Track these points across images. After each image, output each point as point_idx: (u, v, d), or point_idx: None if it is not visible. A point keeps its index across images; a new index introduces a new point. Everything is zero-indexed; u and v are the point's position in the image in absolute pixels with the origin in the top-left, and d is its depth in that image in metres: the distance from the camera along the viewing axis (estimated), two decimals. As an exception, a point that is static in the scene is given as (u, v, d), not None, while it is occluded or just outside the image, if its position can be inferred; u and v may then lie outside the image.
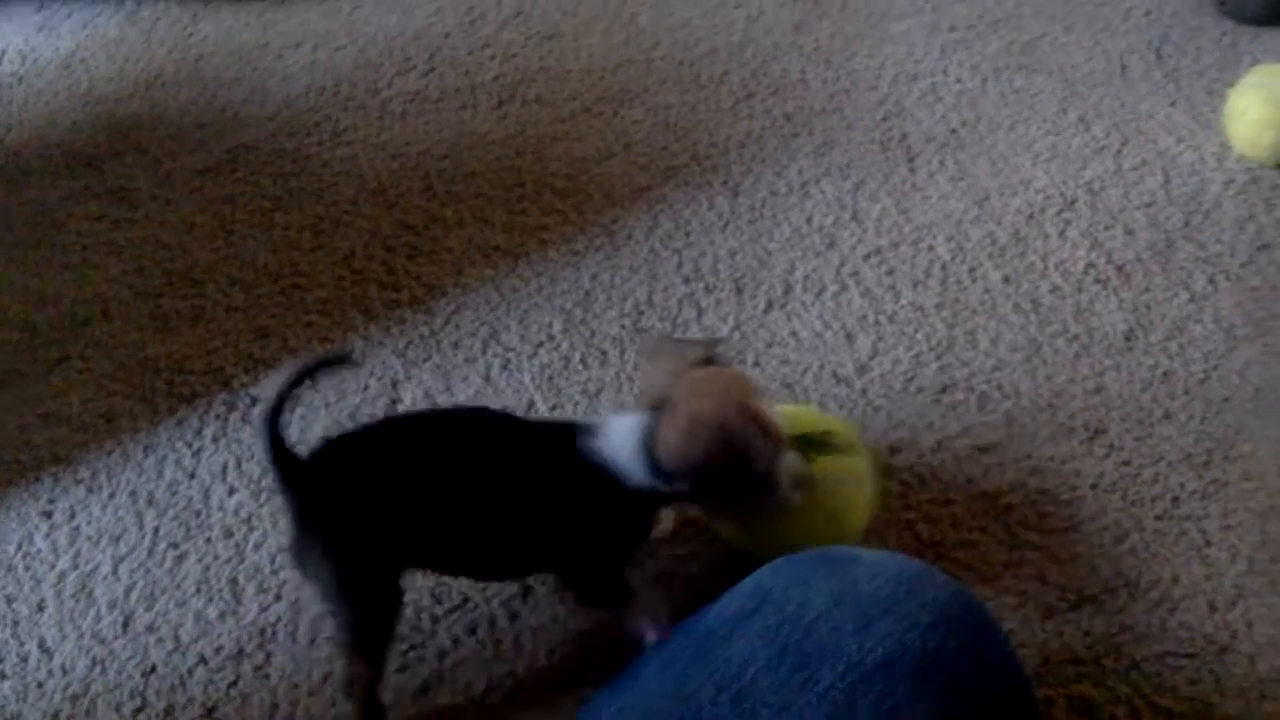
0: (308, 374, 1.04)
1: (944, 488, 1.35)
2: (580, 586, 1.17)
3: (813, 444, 1.18)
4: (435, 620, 1.25)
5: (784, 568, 0.94)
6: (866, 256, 1.59)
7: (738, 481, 1.03)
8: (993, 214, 1.64)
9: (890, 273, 1.57)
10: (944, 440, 1.39)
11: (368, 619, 1.11)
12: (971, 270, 1.57)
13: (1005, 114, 1.80)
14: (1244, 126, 1.68)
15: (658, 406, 1.04)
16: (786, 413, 1.16)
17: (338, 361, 1.08)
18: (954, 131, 1.77)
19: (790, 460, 1.08)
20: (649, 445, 1.03)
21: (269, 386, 1.02)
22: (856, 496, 1.20)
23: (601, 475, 1.05)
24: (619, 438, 1.05)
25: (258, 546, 1.32)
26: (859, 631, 0.86)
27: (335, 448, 1.08)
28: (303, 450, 1.06)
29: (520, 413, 1.39)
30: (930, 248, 1.60)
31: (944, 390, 1.44)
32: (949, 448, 1.38)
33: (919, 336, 1.50)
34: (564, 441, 1.07)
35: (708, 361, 1.09)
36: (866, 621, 0.87)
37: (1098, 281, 1.55)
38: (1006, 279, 1.56)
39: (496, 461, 1.07)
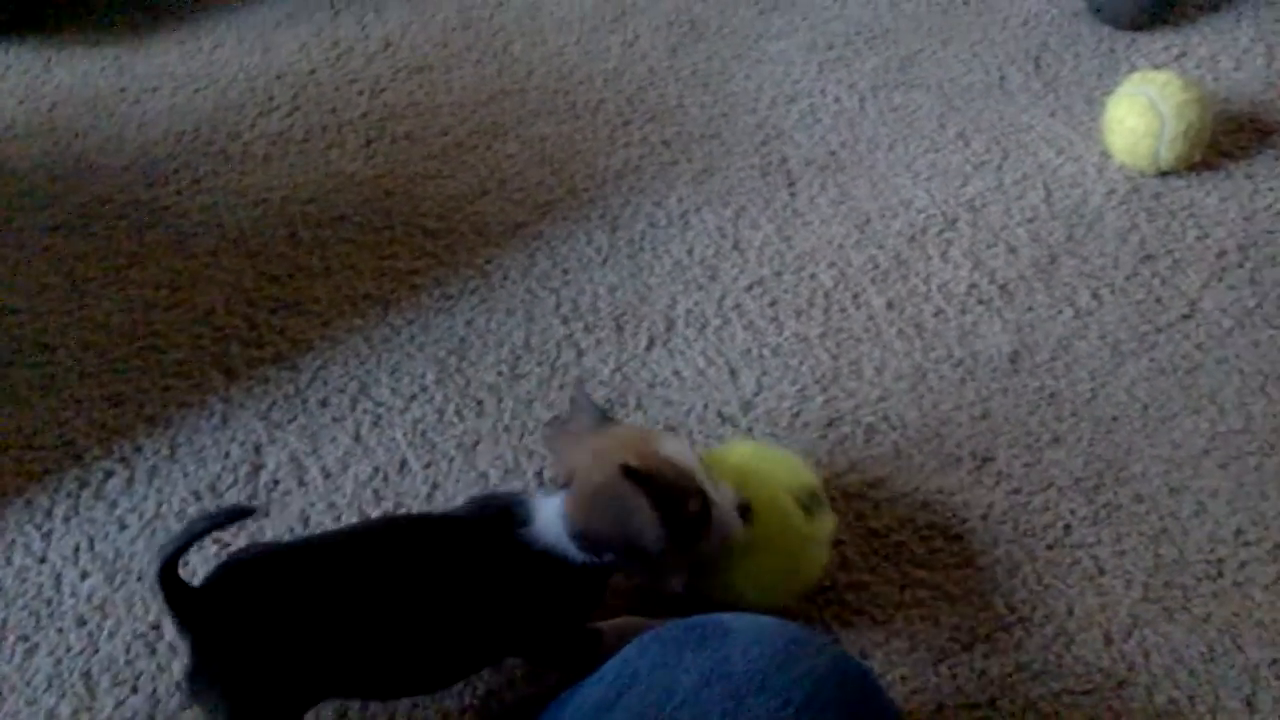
0: (210, 529, 0.97)
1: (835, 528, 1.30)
2: (542, 657, 1.12)
3: (810, 503, 1.15)
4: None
5: (651, 645, 0.89)
6: (749, 288, 1.55)
7: (665, 537, 0.99)
8: (874, 237, 1.61)
9: (773, 303, 1.53)
10: (831, 478, 1.35)
11: None
12: (855, 297, 1.54)
13: (884, 133, 1.77)
14: (1122, 135, 1.67)
15: (568, 484, 1.03)
16: (777, 465, 1.17)
17: (241, 515, 1.01)
18: (833, 153, 1.74)
19: (723, 496, 1.06)
20: (573, 527, 1.01)
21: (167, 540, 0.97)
22: (826, 554, 1.19)
23: (545, 558, 1.03)
24: (548, 521, 1.03)
25: (112, 635, 1.24)
26: (728, 714, 0.80)
27: (232, 575, 1.01)
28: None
29: (392, 471, 1.33)
30: (813, 275, 1.57)
31: (830, 424, 1.40)
32: (837, 485, 1.34)
33: (804, 369, 1.46)
34: (497, 532, 1.04)
35: (607, 421, 1.08)
36: (737, 702, 0.82)
37: (981, 302, 1.52)
38: (890, 304, 1.53)
39: (422, 568, 1.03)
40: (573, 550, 1.03)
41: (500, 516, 1.05)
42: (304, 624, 0.99)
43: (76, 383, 1.48)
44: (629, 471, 1.00)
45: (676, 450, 1.04)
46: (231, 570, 1.02)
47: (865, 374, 1.45)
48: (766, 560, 1.13)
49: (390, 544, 1.05)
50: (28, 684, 1.20)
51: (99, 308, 1.57)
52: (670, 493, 1.01)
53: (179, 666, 1.18)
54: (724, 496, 1.07)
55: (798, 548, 1.15)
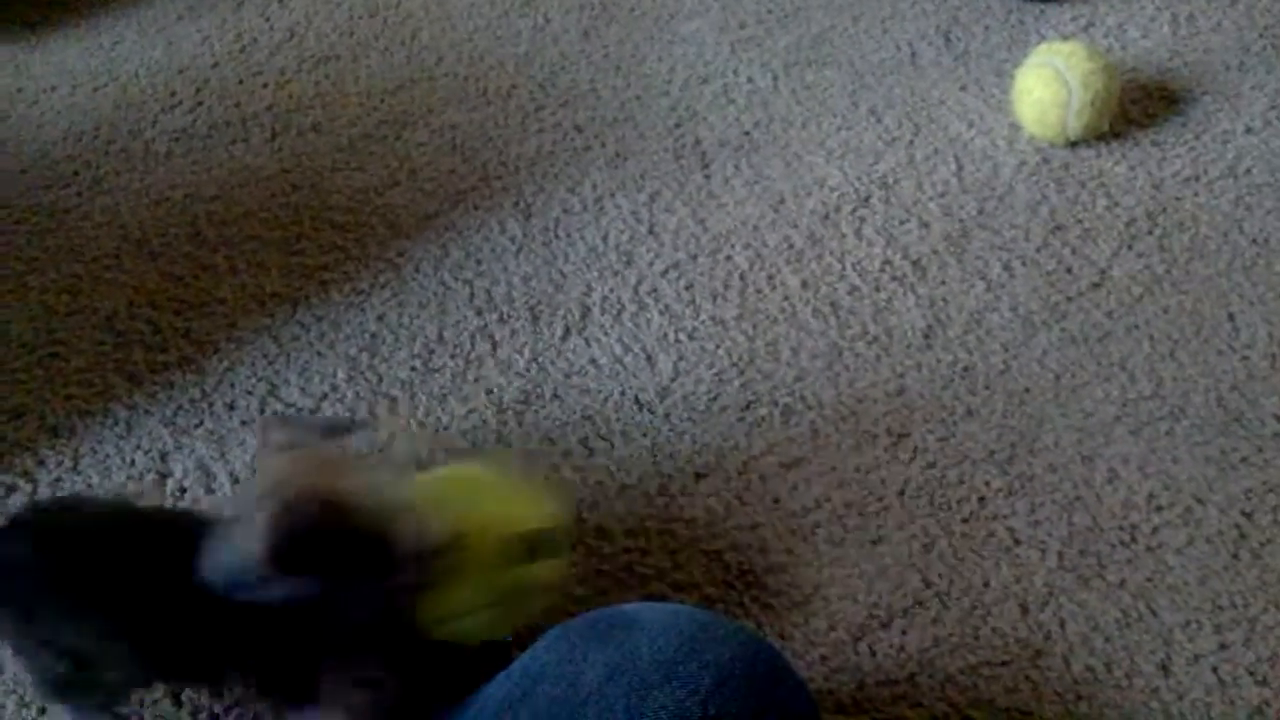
0: None
1: (751, 511, 1.30)
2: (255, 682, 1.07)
3: (542, 543, 1.08)
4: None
5: (557, 640, 0.87)
6: (664, 272, 1.54)
7: (345, 574, 0.93)
8: (788, 217, 1.61)
9: (689, 287, 1.52)
10: (750, 460, 1.34)
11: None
12: (770, 278, 1.53)
13: (797, 111, 1.77)
14: (1031, 106, 1.68)
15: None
16: (509, 503, 1.10)
17: None
18: (747, 133, 1.73)
19: (411, 534, 0.96)
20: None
21: None
22: (550, 598, 1.13)
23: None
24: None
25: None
26: (633, 708, 0.79)
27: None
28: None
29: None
30: (728, 257, 1.56)
31: (748, 407, 1.40)
32: (755, 468, 1.34)
33: (720, 352, 1.45)
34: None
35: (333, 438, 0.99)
36: (643, 694, 0.81)
37: (894, 279, 1.52)
38: (804, 284, 1.52)
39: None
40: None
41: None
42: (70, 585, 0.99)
43: (-26, 395, 1.43)
44: (305, 499, 0.91)
45: (370, 483, 0.95)
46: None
47: (782, 355, 1.44)
48: (471, 598, 1.05)
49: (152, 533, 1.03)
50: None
51: (-3, 316, 1.52)
52: (340, 529, 0.92)
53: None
54: (421, 533, 0.97)
55: (499, 590, 1.06)
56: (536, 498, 1.14)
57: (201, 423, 1.39)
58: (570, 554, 1.17)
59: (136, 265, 1.58)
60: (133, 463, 1.36)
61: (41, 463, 1.36)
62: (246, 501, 0.93)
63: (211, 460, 1.35)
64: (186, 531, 0.98)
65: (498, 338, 1.47)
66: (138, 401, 1.42)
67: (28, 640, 1.03)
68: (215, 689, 1.15)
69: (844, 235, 1.58)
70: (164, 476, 1.34)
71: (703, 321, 1.48)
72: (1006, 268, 1.54)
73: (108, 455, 1.36)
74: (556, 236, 1.59)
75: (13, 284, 1.57)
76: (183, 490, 1.33)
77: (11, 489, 1.34)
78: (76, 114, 1.83)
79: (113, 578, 0.99)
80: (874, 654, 1.18)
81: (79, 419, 1.40)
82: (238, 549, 0.90)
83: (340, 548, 0.92)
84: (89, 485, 1.34)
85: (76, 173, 1.72)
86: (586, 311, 1.50)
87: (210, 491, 1.32)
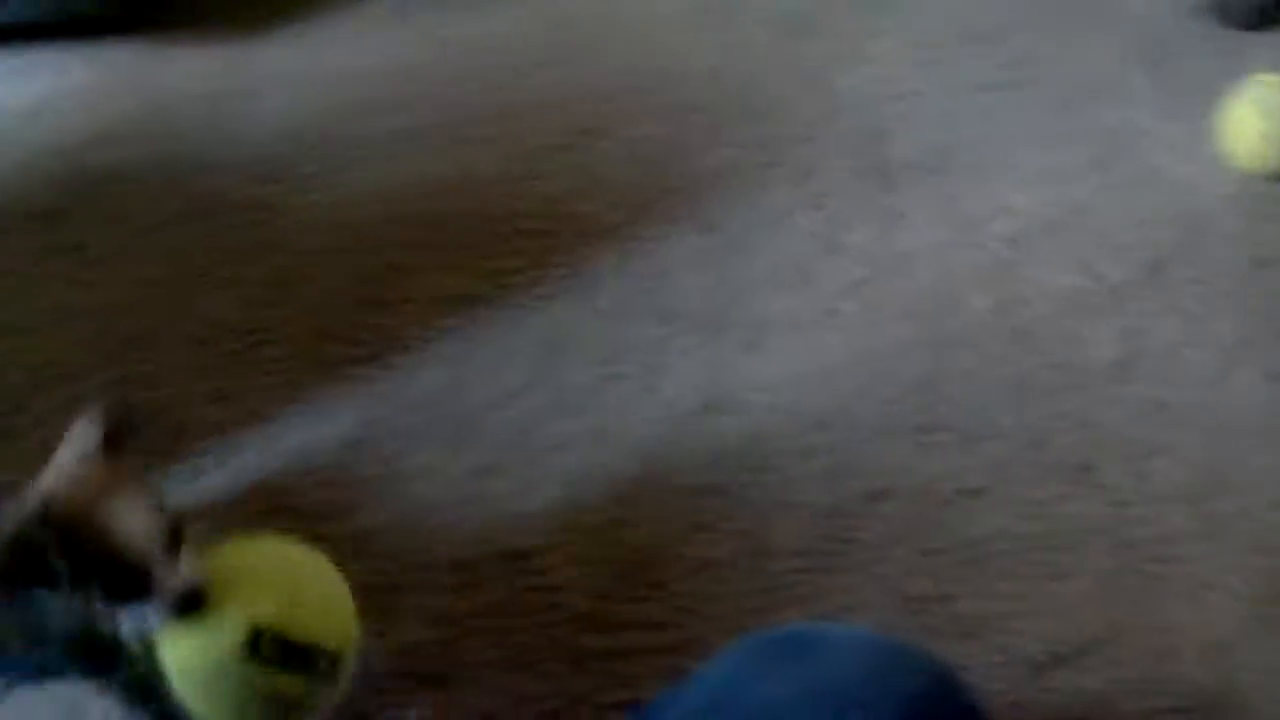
0: None
1: (926, 537, 1.28)
2: None
3: (290, 651, 0.95)
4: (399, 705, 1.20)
5: (744, 656, 0.88)
6: (846, 291, 1.53)
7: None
8: (976, 240, 1.58)
9: (870, 307, 1.51)
10: (927, 485, 1.33)
11: None
12: (955, 301, 1.51)
13: (988, 134, 1.74)
14: (1241, 139, 1.62)
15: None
16: (266, 586, 0.96)
17: None
18: (934, 154, 1.71)
19: (172, 575, 0.90)
20: None
21: None
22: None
23: None
24: None
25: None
26: (824, 731, 0.79)
27: None
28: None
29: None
30: (912, 278, 1.54)
31: (926, 431, 1.38)
32: (932, 493, 1.32)
33: (901, 374, 1.44)
34: None
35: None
36: (836, 716, 0.80)
37: (1086, 308, 1.48)
38: (991, 309, 1.50)
39: None
40: None
41: None
42: None
43: (183, 378, 1.52)
44: (50, 505, 0.88)
45: (126, 510, 0.90)
46: None
47: (964, 379, 1.42)
48: (182, 661, 0.95)
49: None
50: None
51: (206, 305, 1.61)
52: (91, 551, 0.88)
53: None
54: (170, 578, 0.90)
55: (218, 677, 0.94)
56: (342, 611, 1.00)
57: (390, 417, 1.45)
58: (344, 685, 0.99)
59: (336, 262, 1.65)
60: (324, 452, 1.42)
61: (239, 446, 1.44)
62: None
63: (399, 454, 1.41)
64: None
65: (678, 350, 1.49)
66: (332, 392, 1.49)
67: None
68: None
69: (1034, 261, 1.55)
70: (352, 466, 1.40)
71: (883, 342, 1.47)
72: (1205, 301, 1.48)
73: (303, 442, 1.43)
74: (738, 251, 1.60)
75: (225, 272, 1.66)
76: (369, 480, 1.38)
77: (200, 472, 1.41)
78: (286, 114, 1.92)
79: None
80: (1050, 691, 1.15)
81: (276, 406, 1.48)
82: None
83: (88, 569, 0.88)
84: (282, 471, 1.40)
85: (285, 170, 1.82)
86: (766, 327, 1.50)
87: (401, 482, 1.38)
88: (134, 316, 1.61)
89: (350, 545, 1.32)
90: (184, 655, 0.94)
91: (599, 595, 1.27)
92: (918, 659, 0.88)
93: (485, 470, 1.38)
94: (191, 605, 0.91)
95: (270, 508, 1.35)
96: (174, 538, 0.92)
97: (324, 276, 1.63)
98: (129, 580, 0.89)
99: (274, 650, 0.93)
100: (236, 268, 1.66)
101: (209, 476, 1.40)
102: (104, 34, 2.11)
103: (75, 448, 0.95)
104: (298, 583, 0.99)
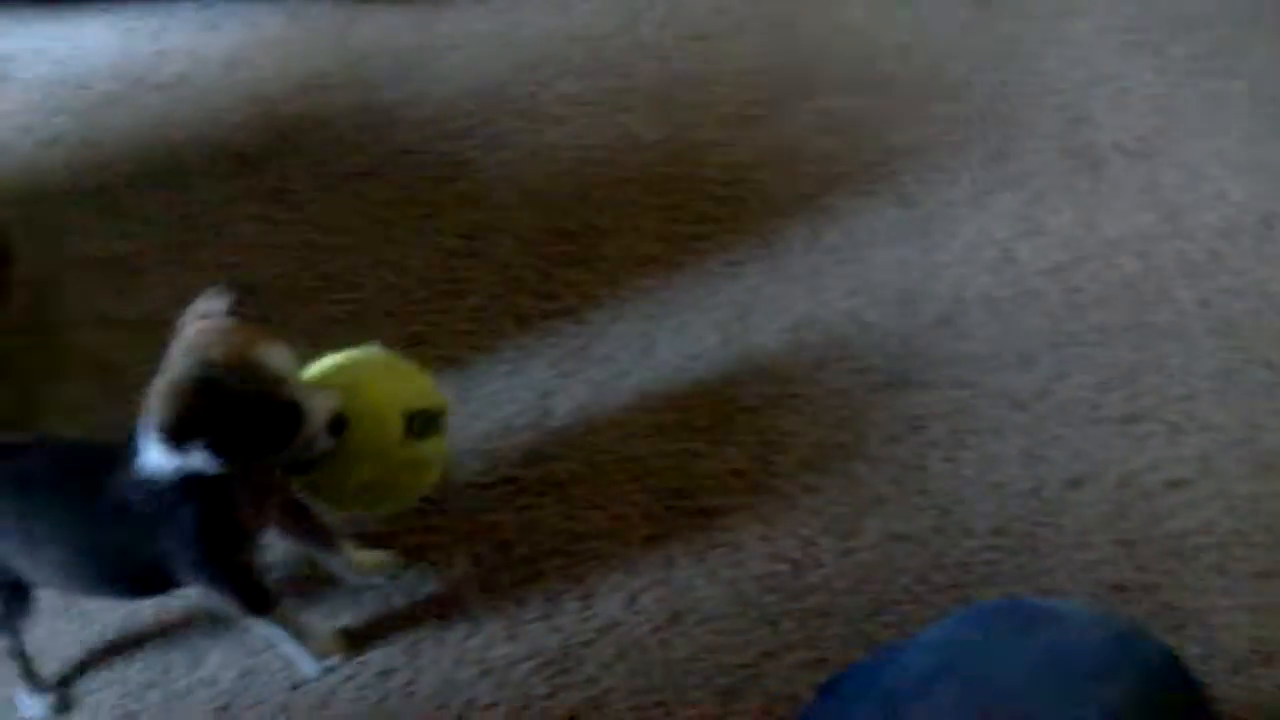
0: None
1: (1129, 527, 1.25)
2: (206, 588, 1.12)
3: (429, 421, 1.12)
4: (585, 644, 1.21)
5: (974, 622, 0.87)
6: (1047, 273, 1.50)
7: (246, 435, 0.97)
8: (1184, 230, 1.53)
9: (1073, 290, 1.47)
10: (1130, 475, 1.29)
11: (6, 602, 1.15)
12: (1161, 290, 1.46)
13: (1196, 122, 1.68)
14: None
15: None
16: (398, 383, 1.14)
17: None
18: (1141, 140, 1.65)
19: (318, 402, 1.02)
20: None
21: None
22: (436, 475, 1.17)
23: (143, 482, 1.01)
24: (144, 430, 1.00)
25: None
26: (1064, 698, 0.78)
27: None
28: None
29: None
30: (1116, 265, 1.50)
31: (1131, 420, 1.34)
32: (1135, 484, 1.29)
33: (1104, 361, 1.40)
34: (115, 462, 1.03)
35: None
36: (1072, 687, 0.79)
37: (1304, 305, 1.42)
38: (1200, 301, 1.45)
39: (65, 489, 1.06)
40: (166, 459, 0.98)
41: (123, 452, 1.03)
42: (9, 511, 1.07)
43: (379, 320, 1.56)
44: (211, 366, 0.96)
45: (273, 355, 1.00)
46: None
47: (1171, 371, 1.38)
48: (362, 470, 1.09)
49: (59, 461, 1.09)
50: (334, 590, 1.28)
51: (402, 252, 1.65)
52: (251, 392, 0.97)
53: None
54: (320, 404, 1.02)
55: (395, 465, 1.11)
56: (423, 381, 1.17)
57: (582, 369, 1.46)
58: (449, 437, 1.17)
59: (528, 218, 1.67)
60: (518, 399, 1.44)
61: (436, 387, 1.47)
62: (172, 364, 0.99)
63: (590, 405, 1.42)
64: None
65: (868, 321, 1.48)
66: (525, 343, 1.51)
67: None
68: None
69: (1246, 254, 1.49)
70: (546, 414, 1.42)
71: (1086, 327, 1.43)
72: None
73: (496, 389, 1.45)
74: (933, 227, 1.58)
75: (417, 224, 1.69)
76: (563, 430, 1.40)
77: (409, 409, 1.45)
78: (477, 73, 1.95)
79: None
80: (1253, 689, 1.11)
81: (470, 353, 1.50)
82: (162, 409, 0.95)
83: (257, 408, 0.97)
84: (477, 416, 1.43)
85: (475, 127, 1.84)
86: (962, 304, 1.48)
87: (592, 432, 1.39)
88: (332, 259, 1.65)
89: (541, 491, 1.35)
90: (351, 465, 1.07)
91: (782, 558, 1.26)
92: (1148, 637, 0.86)
93: (675, 426, 1.38)
94: (340, 427, 1.03)
95: (465, 450, 1.38)
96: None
97: (516, 231, 1.65)
98: (284, 416, 0.99)
99: (422, 424, 1.11)
100: (431, 219, 1.69)
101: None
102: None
103: (206, 314, 1.04)
104: (398, 368, 1.17)
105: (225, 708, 1.20)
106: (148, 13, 2.17)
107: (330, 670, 1.20)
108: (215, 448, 0.97)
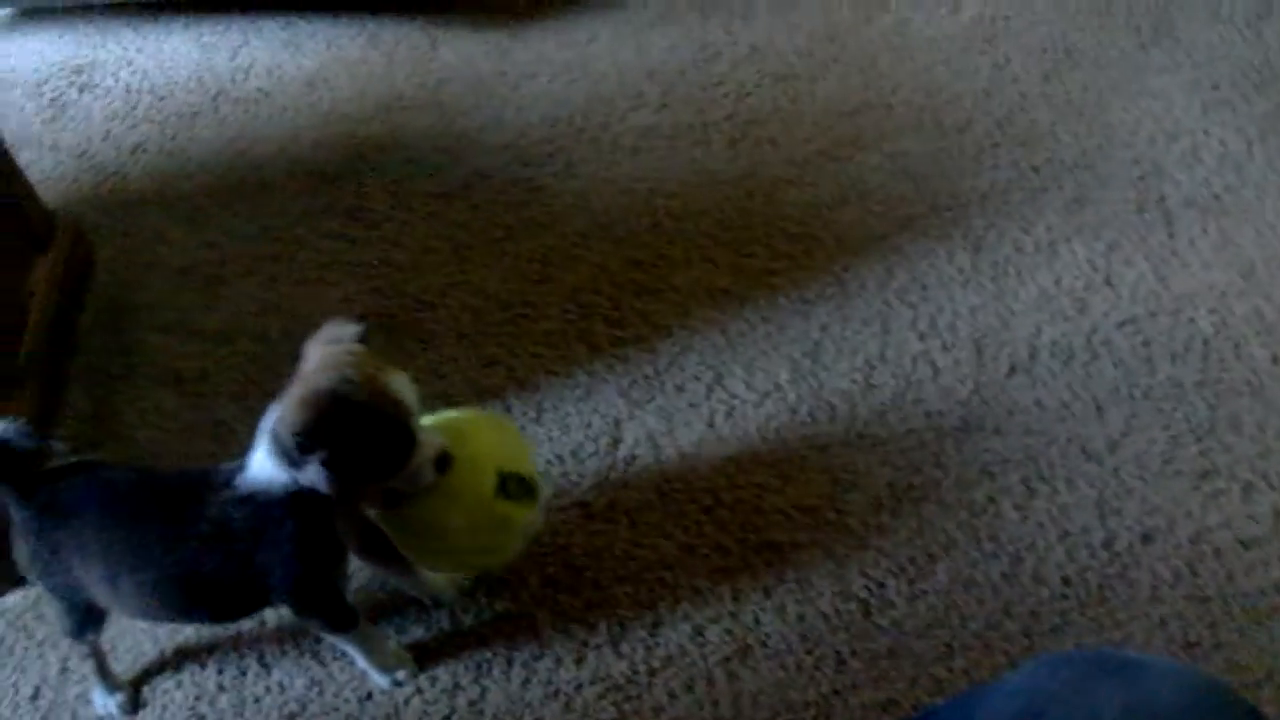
0: None
1: (1201, 584, 1.25)
2: (296, 607, 1.15)
3: (524, 487, 1.15)
4: (652, 673, 1.21)
5: (1061, 669, 0.87)
6: (1120, 324, 1.50)
7: (366, 453, 1.01)
8: (1260, 288, 1.52)
9: (1146, 344, 1.47)
10: (1203, 532, 1.29)
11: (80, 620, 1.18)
12: (1236, 347, 1.46)
13: (1273, 180, 1.67)
14: None
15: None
16: (502, 442, 1.17)
17: None
18: (1217, 196, 1.65)
19: (428, 439, 1.06)
20: (276, 431, 1.01)
21: None
22: (521, 544, 1.19)
23: (254, 502, 1.05)
24: (259, 454, 1.04)
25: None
26: (1148, 749, 0.78)
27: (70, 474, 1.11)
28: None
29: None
30: (1191, 320, 1.50)
31: (1204, 476, 1.34)
32: (1208, 540, 1.28)
33: (1178, 415, 1.39)
34: (209, 486, 1.07)
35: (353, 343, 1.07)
36: (1158, 736, 0.79)
37: (1384, 369, 1.41)
38: (1275, 358, 1.44)
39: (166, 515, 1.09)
40: (267, 469, 1.03)
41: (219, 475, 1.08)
42: (91, 539, 1.09)
43: (453, 342, 1.58)
44: (347, 382, 1.00)
45: (399, 383, 1.04)
46: (72, 471, 1.11)
47: (1245, 429, 1.37)
48: (454, 515, 1.11)
49: (158, 491, 1.11)
50: (395, 608, 1.29)
51: (476, 274, 1.67)
52: (380, 412, 1.01)
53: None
54: (429, 440, 1.06)
55: (483, 519, 1.13)
56: (524, 448, 1.20)
57: (653, 399, 1.48)
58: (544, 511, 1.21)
59: (601, 246, 1.69)
60: (589, 425, 1.45)
61: (508, 409, 1.48)
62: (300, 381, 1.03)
63: (660, 434, 1.43)
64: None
65: (940, 364, 1.48)
66: (596, 369, 1.52)
67: (54, 579, 1.13)
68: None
69: (1324, 315, 1.48)
70: (616, 442, 1.43)
71: (1159, 381, 1.43)
72: None
73: (567, 414, 1.47)
74: (1006, 274, 1.58)
75: (491, 248, 1.71)
76: (633, 458, 1.41)
77: (481, 430, 1.47)
78: (552, 101, 1.98)
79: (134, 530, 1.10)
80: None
81: (544, 376, 1.52)
82: (296, 414, 0.99)
83: (382, 429, 1.01)
84: (550, 439, 1.44)
85: (551, 155, 1.87)
86: (1034, 352, 1.48)
87: (658, 462, 1.40)
88: (409, 278, 1.67)
89: (611, 518, 1.36)
90: (445, 507, 1.11)
91: (852, 596, 1.27)
92: (1232, 693, 0.86)
93: (745, 460, 1.39)
94: (445, 465, 1.08)
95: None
96: None
97: (589, 259, 1.67)
98: (401, 442, 1.03)
99: (516, 487, 1.13)
100: (507, 243, 1.71)
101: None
102: (375, 12, 2.19)
103: (335, 339, 1.08)
104: (506, 433, 1.22)
105: (294, 716, 1.21)
106: (229, 28, 2.22)
107: (399, 684, 1.22)
108: (334, 462, 1.00)
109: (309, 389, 1.00)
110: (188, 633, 1.29)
